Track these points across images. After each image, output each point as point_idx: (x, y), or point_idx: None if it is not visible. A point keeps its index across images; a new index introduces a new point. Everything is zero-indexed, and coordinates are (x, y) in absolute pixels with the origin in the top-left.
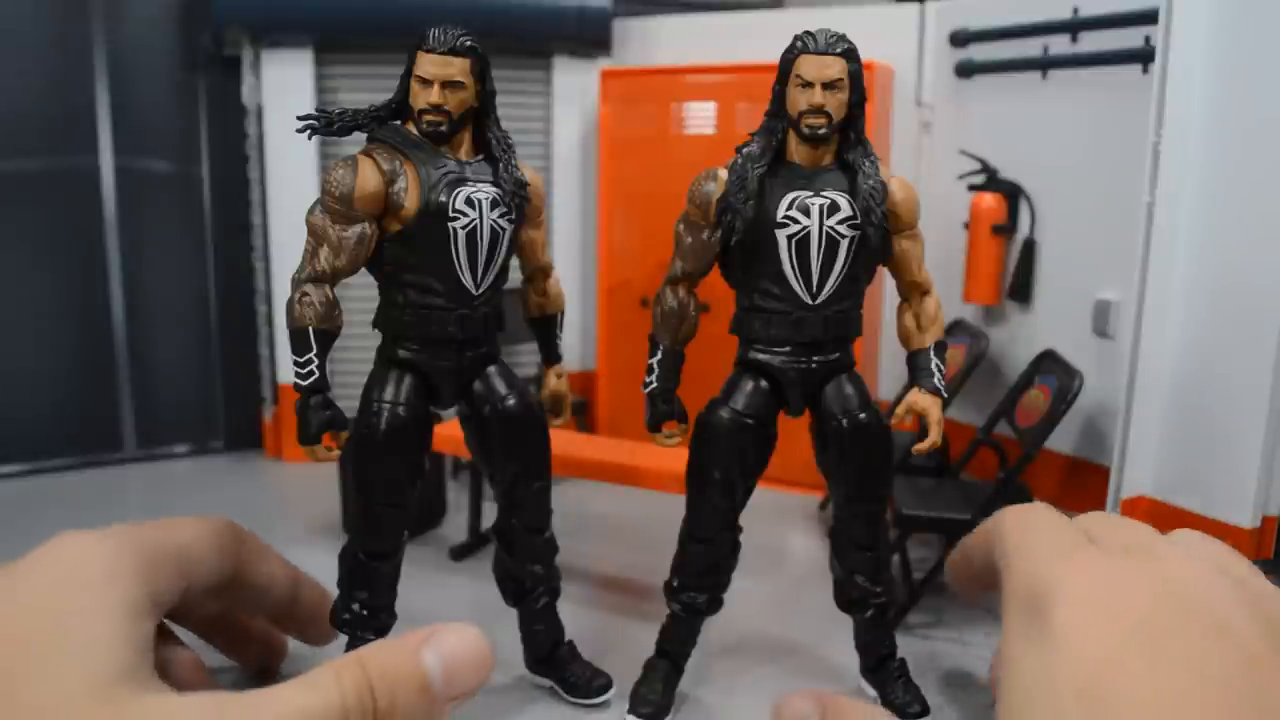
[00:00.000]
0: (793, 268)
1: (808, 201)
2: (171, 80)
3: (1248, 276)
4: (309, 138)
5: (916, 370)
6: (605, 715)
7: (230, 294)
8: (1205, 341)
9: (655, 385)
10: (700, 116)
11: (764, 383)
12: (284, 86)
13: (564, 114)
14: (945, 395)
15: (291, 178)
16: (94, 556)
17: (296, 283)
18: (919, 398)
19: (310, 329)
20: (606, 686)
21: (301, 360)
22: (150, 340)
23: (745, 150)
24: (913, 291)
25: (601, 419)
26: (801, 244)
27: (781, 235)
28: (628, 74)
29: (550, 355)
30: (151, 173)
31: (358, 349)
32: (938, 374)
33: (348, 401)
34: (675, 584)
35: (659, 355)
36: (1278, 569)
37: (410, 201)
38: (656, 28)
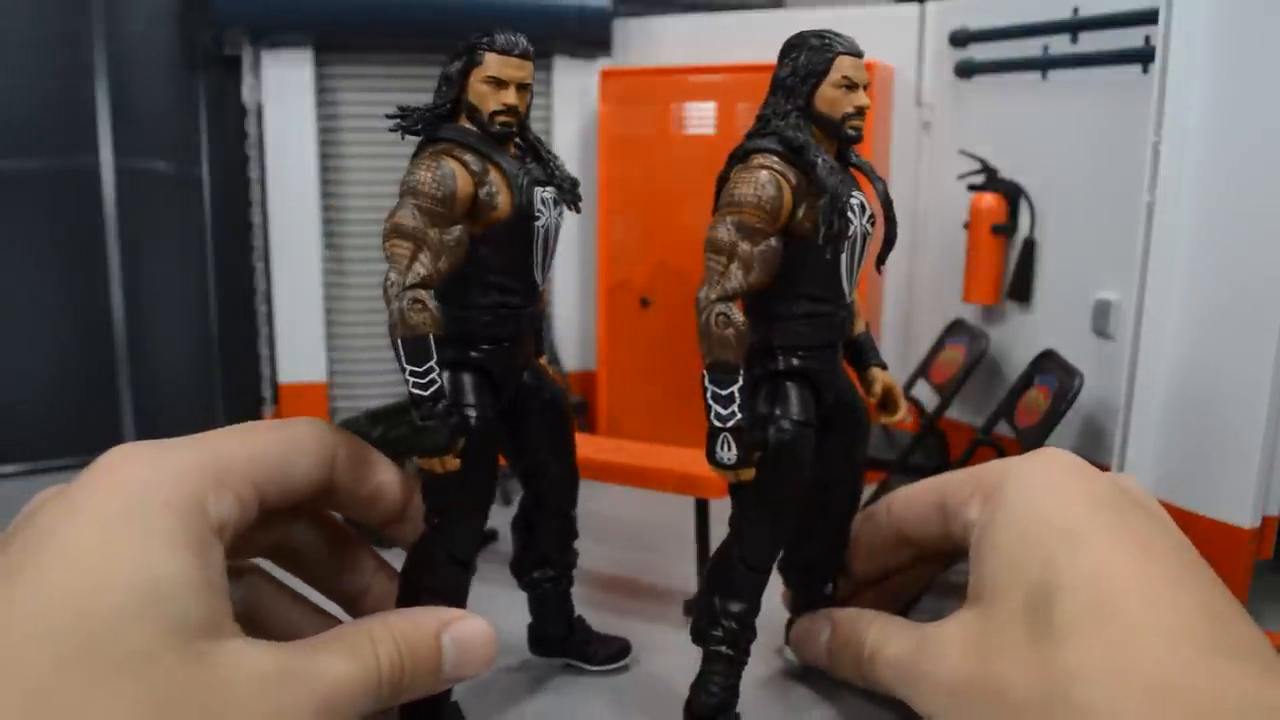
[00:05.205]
0: (845, 267)
1: (850, 201)
2: (171, 80)
3: (1248, 276)
4: (401, 137)
5: (867, 351)
6: (616, 696)
7: (230, 294)
8: (1205, 341)
9: (742, 417)
10: (700, 116)
11: (807, 389)
12: (284, 86)
13: (564, 114)
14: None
15: (291, 178)
16: (155, 485)
17: (400, 289)
18: (885, 375)
19: (430, 335)
20: (625, 651)
21: (421, 370)
22: (150, 340)
23: (810, 153)
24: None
25: (601, 419)
26: (851, 243)
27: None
28: (628, 74)
29: (539, 348)
30: (151, 173)
31: (359, 348)
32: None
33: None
34: (722, 622)
35: (739, 383)
36: (1278, 569)
37: (503, 202)
38: (656, 28)
